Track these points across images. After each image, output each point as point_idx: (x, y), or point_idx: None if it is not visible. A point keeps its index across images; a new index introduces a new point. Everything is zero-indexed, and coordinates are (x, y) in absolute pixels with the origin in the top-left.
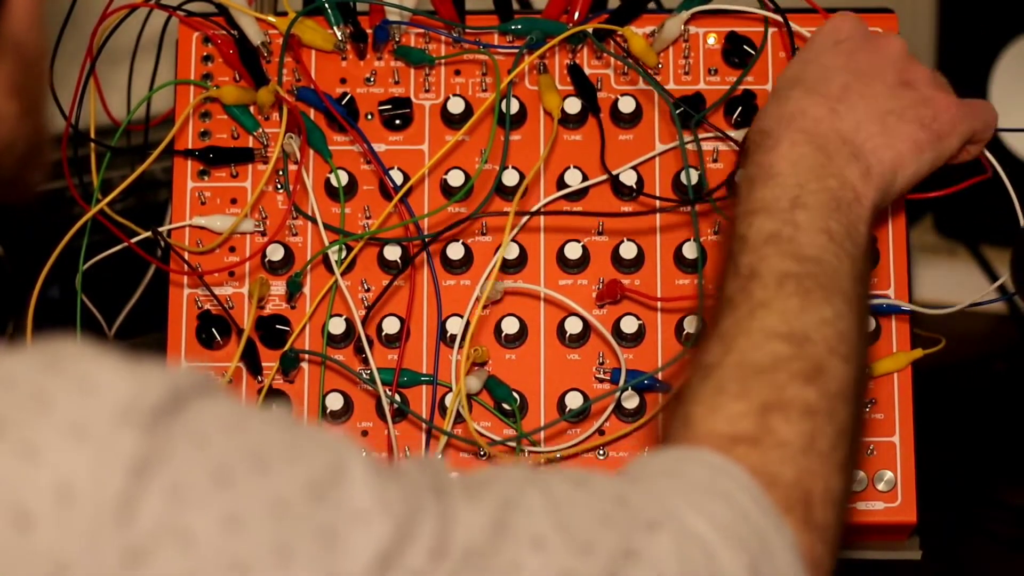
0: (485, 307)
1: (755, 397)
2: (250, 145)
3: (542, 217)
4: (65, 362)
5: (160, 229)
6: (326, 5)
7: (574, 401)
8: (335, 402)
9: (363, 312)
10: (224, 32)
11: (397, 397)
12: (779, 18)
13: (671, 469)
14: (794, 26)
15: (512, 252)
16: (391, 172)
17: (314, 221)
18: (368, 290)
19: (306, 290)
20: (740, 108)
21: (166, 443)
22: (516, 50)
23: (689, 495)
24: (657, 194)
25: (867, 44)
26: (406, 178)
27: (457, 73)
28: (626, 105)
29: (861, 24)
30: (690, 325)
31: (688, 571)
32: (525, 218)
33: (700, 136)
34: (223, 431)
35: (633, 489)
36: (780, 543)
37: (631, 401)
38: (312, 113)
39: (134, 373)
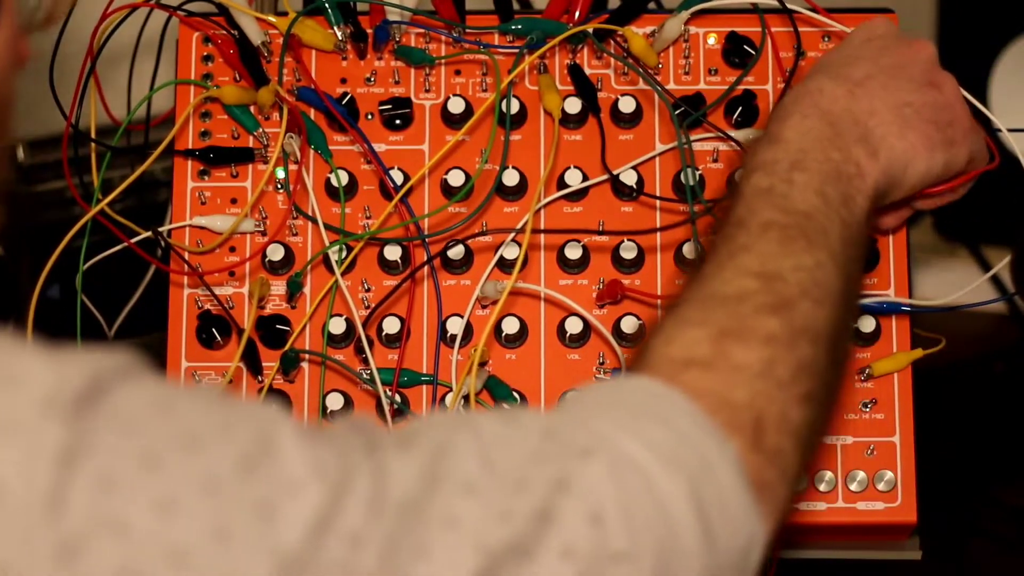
0: (484, 307)
1: (714, 324)
2: (250, 145)
3: (543, 217)
4: None
5: (160, 229)
6: (326, 5)
7: None
8: (335, 402)
9: (363, 312)
10: (224, 32)
11: (397, 397)
12: (783, 13)
13: (605, 398)
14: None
15: (512, 253)
16: (391, 172)
17: (314, 221)
18: (368, 290)
19: (306, 290)
20: (740, 108)
21: (90, 432)
22: (516, 50)
23: (622, 420)
24: (657, 194)
25: (898, 44)
26: (406, 178)
27: (457, 73)
28: (626, 105)
29: (895, 28)
30: None
31: (625, 495)
32: (526, 221)
33: (701, 136)
34: (149, 414)
35: (563, 420)
36: (722, 461)
37: None
38: (312, 113)
39: (55, 362)
